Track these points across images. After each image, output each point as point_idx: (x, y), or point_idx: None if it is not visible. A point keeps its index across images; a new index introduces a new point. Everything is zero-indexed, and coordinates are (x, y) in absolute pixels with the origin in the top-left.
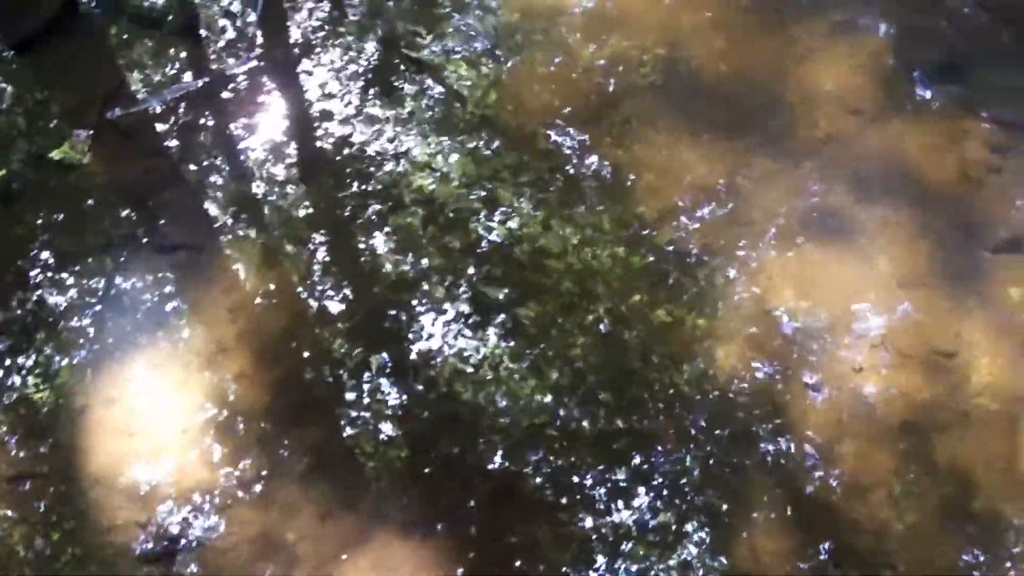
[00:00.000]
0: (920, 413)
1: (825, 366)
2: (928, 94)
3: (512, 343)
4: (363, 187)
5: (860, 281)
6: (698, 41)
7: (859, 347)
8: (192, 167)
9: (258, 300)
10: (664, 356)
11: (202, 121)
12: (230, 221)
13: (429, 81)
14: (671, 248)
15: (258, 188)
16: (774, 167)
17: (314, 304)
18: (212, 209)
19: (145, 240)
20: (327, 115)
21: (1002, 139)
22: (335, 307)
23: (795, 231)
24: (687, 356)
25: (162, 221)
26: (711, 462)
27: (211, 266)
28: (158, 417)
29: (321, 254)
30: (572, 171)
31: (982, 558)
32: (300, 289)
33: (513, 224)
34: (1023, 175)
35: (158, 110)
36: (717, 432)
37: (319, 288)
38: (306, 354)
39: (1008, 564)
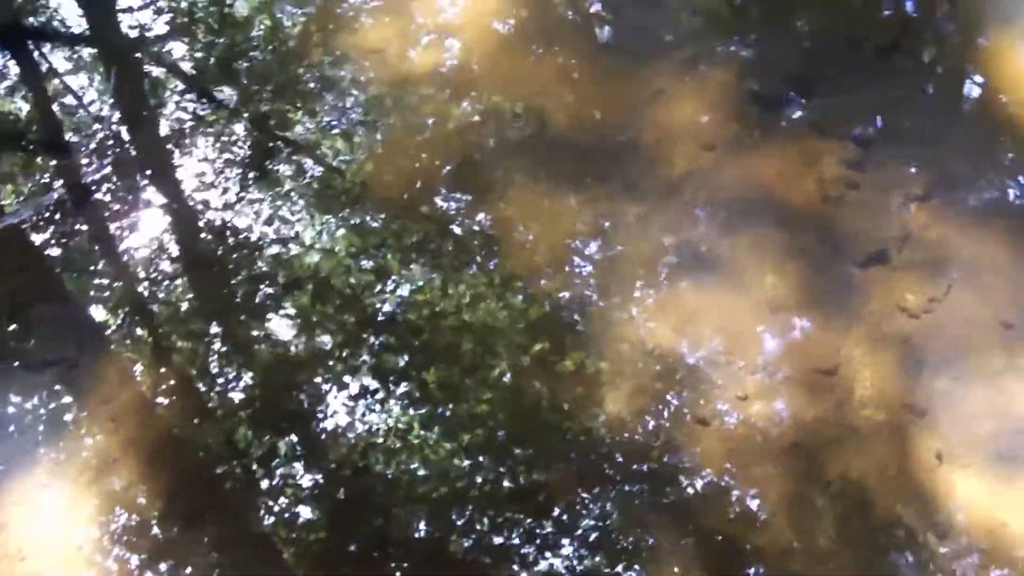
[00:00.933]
0: (809, 433)
1: (712, 398)
2: (779, 120)
3: (420, 409)
4: (251, 272)
5: (736, 310)
6: (558, 92)
7: (742, 375)
8: (67, 278)
9: (145, 403)
10: (570, 403)
11: (75, 229)
12: (111, 327)
13: (305, 159)
14: (562, 296)
15: (140, 288)
16: (640, 209)
17: (210, 397)
18: (90, 318)
19: (16, 362)
20: (206, 205)
21: (856, 155)
22: (234, 397)
23: (668, 269)
24: (589, 401)
25: (33, 339)
26: (627, 503)
27: (89, 377)
28: (50, 538)
29: (215, 345)
30: (458, 231)
31: (887, 570)
32: (193, 384)
33: (405, 291)
34: (880, 188)
35: (27, 223)
36: (626, 474)
37: (215, 380)
38: (204, 451)
39: (913, 573)
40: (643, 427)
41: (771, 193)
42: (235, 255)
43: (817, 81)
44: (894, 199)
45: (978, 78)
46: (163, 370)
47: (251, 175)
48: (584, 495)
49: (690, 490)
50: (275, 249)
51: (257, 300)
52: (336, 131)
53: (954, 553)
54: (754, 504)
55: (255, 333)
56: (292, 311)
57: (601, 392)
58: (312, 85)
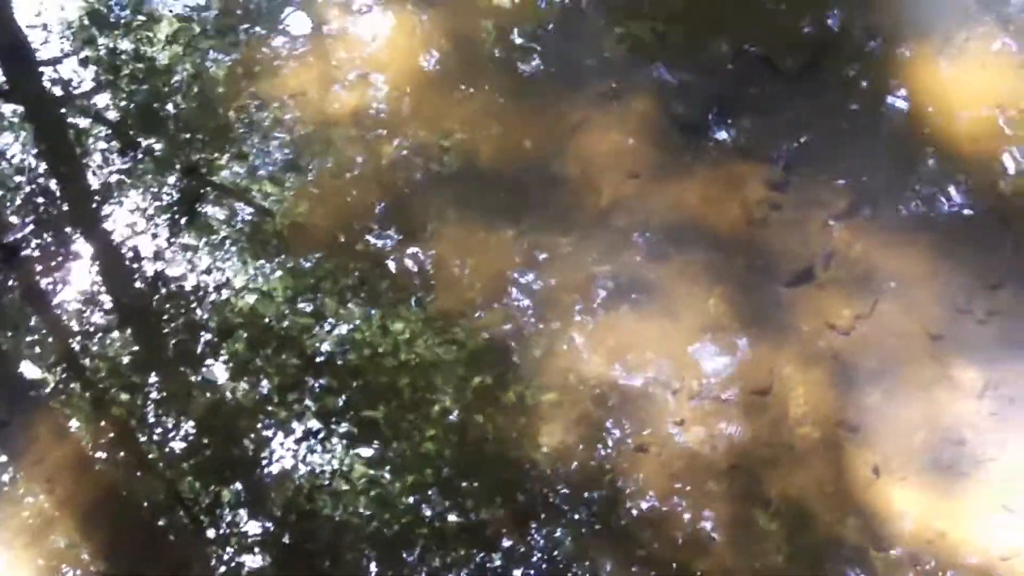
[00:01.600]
0: (747, 454)
1: (650, 424)
2: (702, 144)
3: (364, 449)
4: (186, 320)
5: (669, 336)
6: (483, 127)
7: (679, 401)
8: None
9: (83, 460)
10: (512, 436)
11: (3, 287)
12: (44, 384)
13: (235, 203)
14: (499, 330)
15: (73, 343)
16: (570, 240)
17: (151, 449)
18: (21, 376)
19: None
20: (137, 255)
21: (778, 176)
22: (175, 447)
23: (602, 298)
24: (531, 434)
25: None
26: (574, 533)
27: (22, 437)
28: None
29: (152, 396)
30: (393, 268)
31: None
32: (132, 437)
33: (343, 330)
34: (803, 207)
35: None
36: (572, 504)
37: (154, 432)
38: (147, 504)
39: None
40: (585, 457)
41: (697, 217)
42: (169, 304)
43: (738, 104)
44: (817, 218)
45: (898, 93)
46: (100, 425)
47: (181, 222)
48: (532, 527)
49: (635, 517)
50: (209, 296)
51: (193, 348)
52: (265, 174)
53: (895, 565)
54: (698, 527)
55: (193, 381)
56: (229, 357)
57: (542, 424)
58: (239, 129)
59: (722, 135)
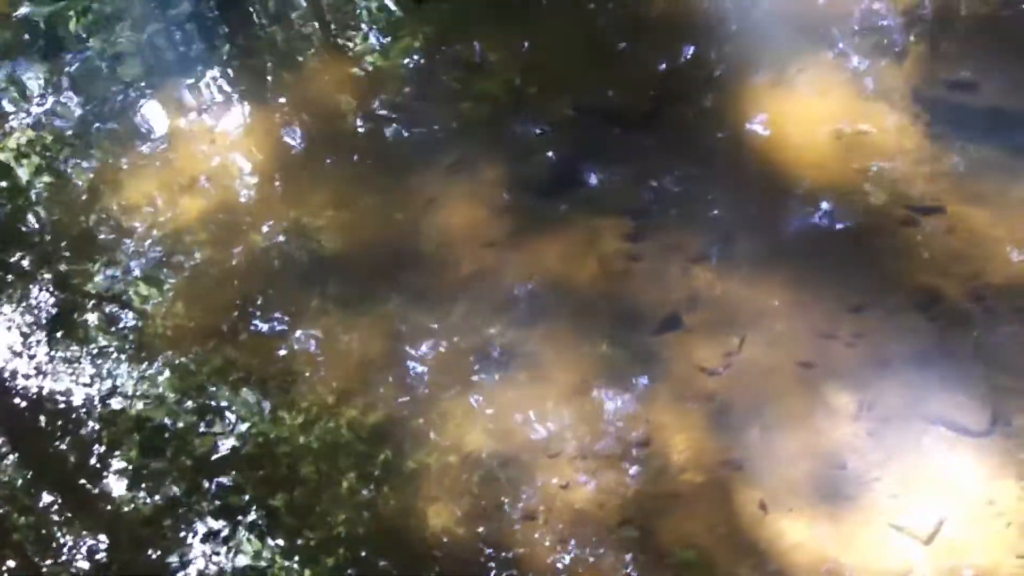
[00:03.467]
0: (635, 508)
1: (535, 491)
2: (554, 206)
3: (275, 540)
4: (79, 435)
5: (544, 400)
6: (336, 214)
7: (561, 464)
8: None
9: None
10: (395, 516)
11: None
12: None
13: (113, 309)
14: (373, 415)
15: None
16: (433, 316)
17: (57, 571)
18: None
19: None
20: (16, 375)
21: (633, 227)
22: (82, 565)
23: (473, 370)
24: (414, 513)
25: None
26: None
27: None
28: None
29: (53, 516)
30: (282, 353)
31: None
32: (34, 562)
33: (238, 424)
34: (661, 255)
35: None
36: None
37: (59, 552)
38: None
39: None
40: (474, 530)
41: (558, 278)
42: (57, 421)
43: (585, 160)
44: (676, 263)
45: (740, 130)
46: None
47: (59, 335)
48: None
49: None
50: (97, 407)
51: (87, 462)
52: (140, 276)
53: None
54: None
55: (92, 495)
56: (125, 466)
57: (425, 505)
58: (107, 236)
59: (572, 194)
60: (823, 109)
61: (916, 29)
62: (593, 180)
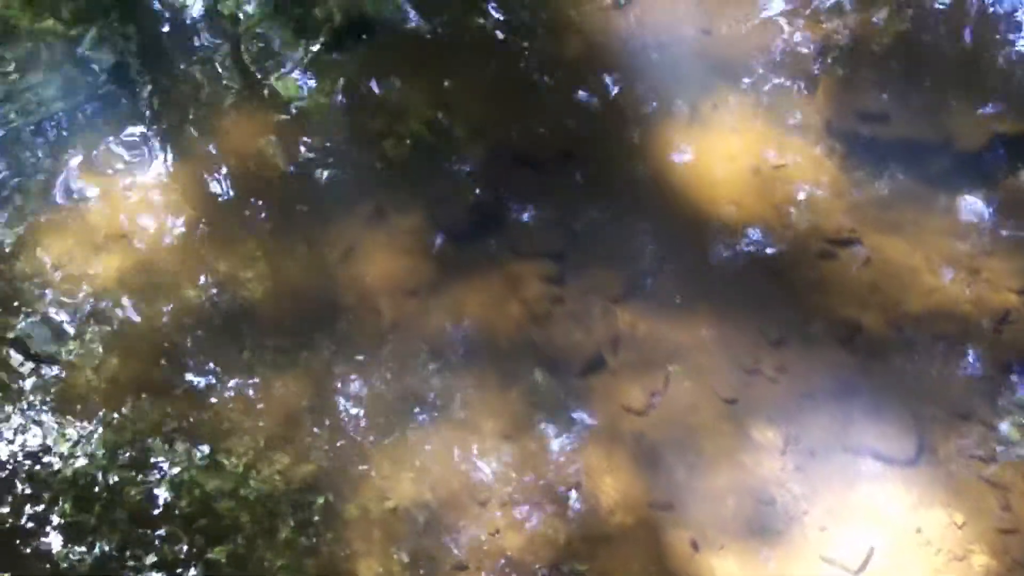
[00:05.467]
0: (566, 553)
1: (465, 540)
2: (473, 252)
3: None
4: (10, 493)
5: (471, 447)
6: (253, 267)
7: (490, 511)
8: None
9: None
10: (354, 555)
11: None
12: None
13: (42, 367)
14: (297, 470)
15: None
16: (359, 365)
17: None
18: None
19: None
20: None
21: (553, 270)
22: None
23: (397, 421)
24: (364, 558)
25: None
26: None
27: None
28: None
29: None
30: (213, 403)
31: None
32: None
33: (174, 476)
34: (583, 296)
35: None
36: None
37: None
38: None
39: None
40: None
41: (481, 324)
42: None
43: (502, 205)
44: (598, 304)
45: (656, 167)
46: None
47: None
48: None
49: None
50: (28, 465)
51: (20, 522)
52: (67, 332)
53: None
54: None
55: (26, 552)
56: (59, 524)
57: (357, 556)
58: (33, 293)
59: (491, 240)
60: (740, 144)
61: (828, 61)
62: (514, 222)
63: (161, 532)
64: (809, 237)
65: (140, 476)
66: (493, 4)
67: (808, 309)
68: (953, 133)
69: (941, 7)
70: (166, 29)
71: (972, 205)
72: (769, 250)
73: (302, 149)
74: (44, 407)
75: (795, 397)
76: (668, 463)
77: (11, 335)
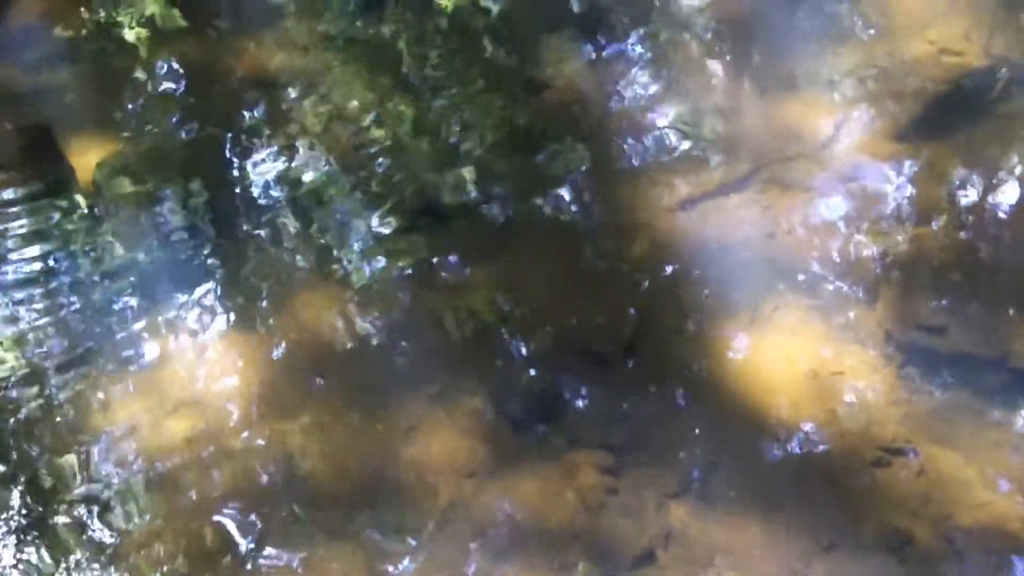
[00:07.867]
0: None
1: None
2: (533, 439)
3: None
4: None
5: None
6: (316, 442)
7: None
8: None
9: None
10: None
11: None
12: None
13: (90, 522)
14: None
15: None
16: (411, 546)
17: None
18: None
19: None
20: None
21: (610, 462)
22: None
23: None
24: None
25: None
26: None
27: None
28: None
29: None
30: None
31: None
32: None
33: None
34: (637, 490)
35: None
36: None
37: None
38: None
39: None
40: None
41: (535, 511)
42: None
43: (562, 396)
44: (653, 499)
45: (716, 367)
46: None
47: (30, 537)
48: None
49: None
50: None
51: None
52: (119, 493)
53: None
54: None
55: None
56: None
57: None
58: (90, 455)
59: (551, 428)
60: (798, 348)
61: (888, 269)
62: (572, 413)
63: None
64: (863, 444)
65: None
66: (564, 197)
67: (860, 516)
68: (1010, 350)
69: (1003, 216)
70: (239, 192)
71: None
72: (823, 454)
73: (367, 325)
74: (88, 564)
75: None
76: None
77: (63, 489)
